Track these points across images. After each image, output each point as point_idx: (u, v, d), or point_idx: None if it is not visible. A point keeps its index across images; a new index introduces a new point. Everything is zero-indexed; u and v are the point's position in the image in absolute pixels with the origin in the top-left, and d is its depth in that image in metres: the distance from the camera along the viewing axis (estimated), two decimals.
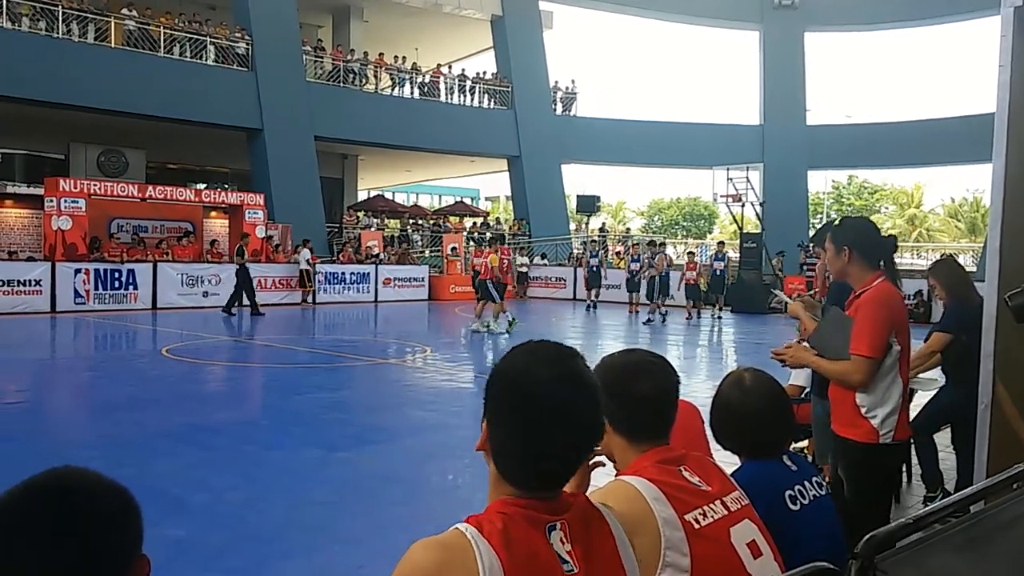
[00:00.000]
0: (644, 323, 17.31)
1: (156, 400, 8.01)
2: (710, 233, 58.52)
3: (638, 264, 19.20)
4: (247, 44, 21.90)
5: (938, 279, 4.84)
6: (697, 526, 1.59)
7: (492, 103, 27.79)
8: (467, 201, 37.85)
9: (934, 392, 4.86)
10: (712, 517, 1.63)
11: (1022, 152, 3.17)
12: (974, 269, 22.53)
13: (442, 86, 26.89)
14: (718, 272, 20.08)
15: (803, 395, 4.70)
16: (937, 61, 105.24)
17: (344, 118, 23.57)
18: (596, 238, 27.64)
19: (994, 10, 3.53)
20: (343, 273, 20.68)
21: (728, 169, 22.59)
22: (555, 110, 29.51)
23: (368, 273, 21.12)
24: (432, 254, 25.64)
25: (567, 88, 30.17)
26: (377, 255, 22.62)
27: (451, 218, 30.84)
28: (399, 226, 28.63)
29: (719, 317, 18.93)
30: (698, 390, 8.54)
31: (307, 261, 19.31)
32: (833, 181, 54.81)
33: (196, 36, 21.40)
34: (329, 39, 27.07)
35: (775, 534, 1.75)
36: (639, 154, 30.77)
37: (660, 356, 1.81)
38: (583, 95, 32.99)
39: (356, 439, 6.65)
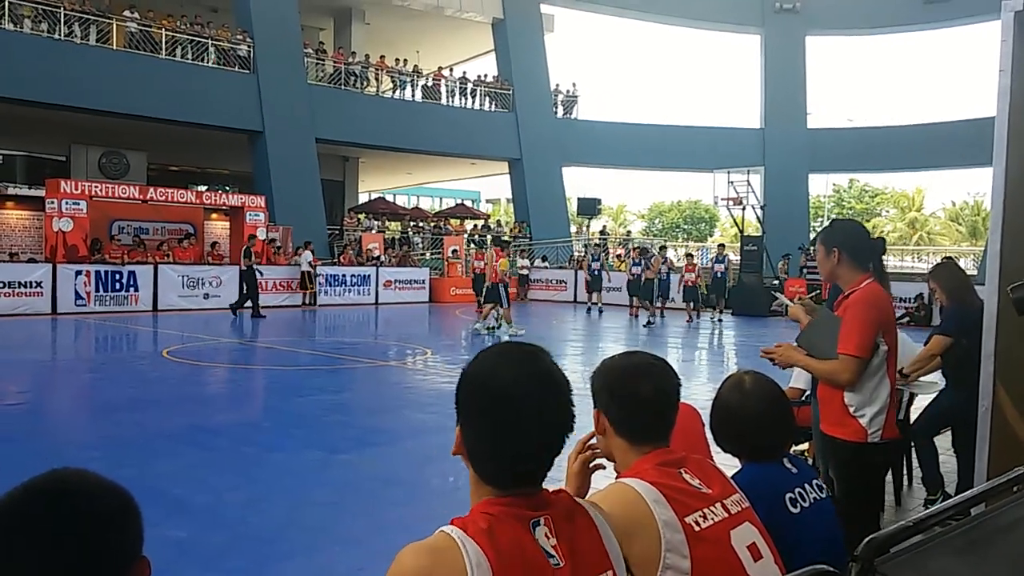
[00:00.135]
0: (644, 326, 17.32)
1: (157, 401, 8.01)
2: (711, 236, 58.53)
3: (639, 268, 19.21)
4: (248, 46, 21.94)
5: (939, 282, 4.84)
6: (697, 528, 1.59)
7: (493, 106, 27.81)
8: (468, 204, 37.90)
9: (934, 395, 4.86)
10: (712, 520, 1.63)
11: (1022, 156, 3.18)
12: (975, 272, 22.55)
13: (443, 89, 26.91)
14: (719, 275, 20.08)
15: (803, 398, 4.69)
16: (938, 65, 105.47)
17: (345, 120, 23.60)
18: (597, 241, 27.64)
19: (994, 15, 3.53)
20: (344, 275, 20.67)
21: (729, 172, 22.59)
22: (556, 113, 29.54)
23: (369, 275, 21.13)
24: (433, 256, 25.65)
25: (568, 91, 30.20)
26: (378, 257, 22.62)
27: (452, 220, 30.86)
28: (400, 228, 28.68)
29: (719, 320, 18.92)
30: (698, 393, 8.53)
31: (308, 263, 19.34)
32: (834, 184, 54.82)
33: (198, 38, 21.44)
34: (330, 41, 27.11)
35: (775, 537, 1.75)
36: (640, 157, 30.76)
37: (661, 358, 1.82)
38: (584, 98, 33.03)
39: (357, 441, 6.66)
